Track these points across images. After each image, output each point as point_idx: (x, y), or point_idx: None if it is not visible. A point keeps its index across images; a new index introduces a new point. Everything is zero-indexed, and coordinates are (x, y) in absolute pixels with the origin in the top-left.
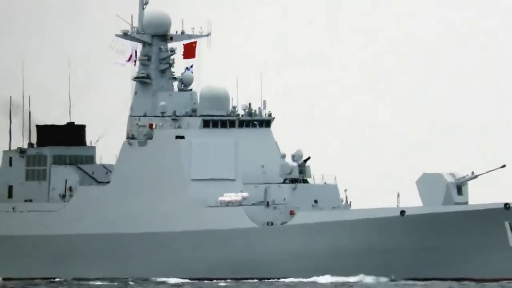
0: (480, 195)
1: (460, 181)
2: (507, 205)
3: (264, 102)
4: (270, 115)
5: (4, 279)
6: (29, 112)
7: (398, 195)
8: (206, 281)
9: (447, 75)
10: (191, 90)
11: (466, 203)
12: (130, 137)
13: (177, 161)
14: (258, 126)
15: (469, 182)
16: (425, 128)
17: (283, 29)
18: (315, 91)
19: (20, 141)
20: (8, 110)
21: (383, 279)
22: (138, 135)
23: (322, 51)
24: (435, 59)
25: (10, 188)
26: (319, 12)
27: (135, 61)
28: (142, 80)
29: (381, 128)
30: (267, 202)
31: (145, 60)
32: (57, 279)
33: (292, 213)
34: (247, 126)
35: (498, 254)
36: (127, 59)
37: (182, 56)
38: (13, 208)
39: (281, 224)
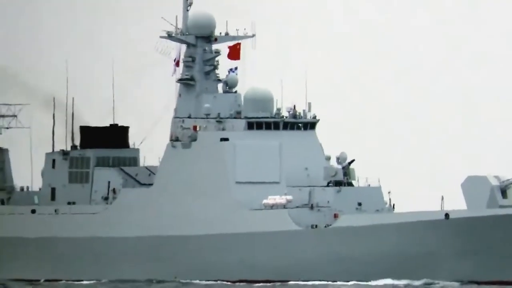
0: None
1: (505, 184)
2: None
3: (309, 104)
4: (315, 117)
5: (46, 280)
6: (73, 114)
7: (443, 198)
8: (249, 284)
9: (492, 77)
10: (235, 92)
11: (511, 206)
12: (174, 139)
13: (221, 163)
14: (302, 128)
15: None
16: (469, 131)
17: (329, 30)
18: (360, 93)
19: (64, 143)
20: (51, 111)
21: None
22: (182, 137)
23: (367, 53)
24: (480, 62)
25: (53, 190)
26: (367, 11)
27: (178, 61)
28: (187, 82)
29: (425, 131)
30: (311, 205)
31: (190, 62)
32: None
33: (336, 216)
34: (292, 128)
35: None
36: (175, 63)
37: (227, 56)
38: (55, 211)
39: (325, 226)
